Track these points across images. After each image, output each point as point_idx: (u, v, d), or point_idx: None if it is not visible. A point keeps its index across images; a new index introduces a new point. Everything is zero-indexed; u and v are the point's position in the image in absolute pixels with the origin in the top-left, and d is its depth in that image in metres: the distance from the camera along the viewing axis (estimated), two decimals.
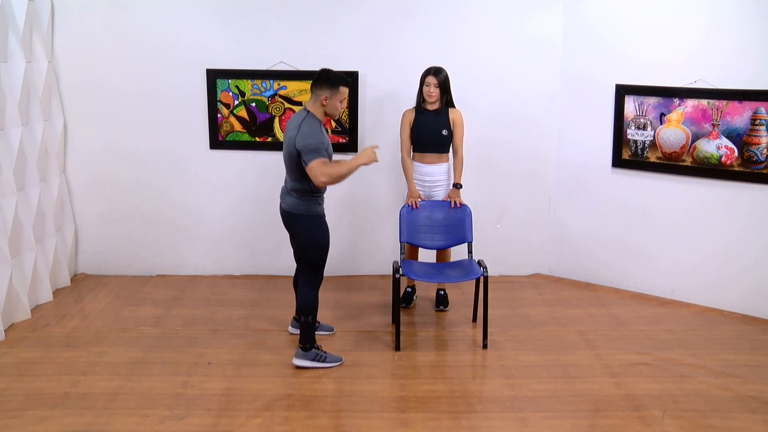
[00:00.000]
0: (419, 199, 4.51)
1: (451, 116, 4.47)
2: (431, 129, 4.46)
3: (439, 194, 4.57)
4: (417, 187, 4.55)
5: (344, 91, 3.76)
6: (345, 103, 3.84)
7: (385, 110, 5.12)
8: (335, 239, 5.25)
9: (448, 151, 4.56)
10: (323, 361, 3.90)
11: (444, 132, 4.46)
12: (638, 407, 3.50)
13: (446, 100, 4.46)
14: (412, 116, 4.51)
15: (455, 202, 4.48)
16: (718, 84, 4.49)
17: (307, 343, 3.88)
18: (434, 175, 4.54)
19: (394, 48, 5.06)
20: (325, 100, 3.70)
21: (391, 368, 3.94)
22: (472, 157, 4.99)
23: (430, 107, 4.45)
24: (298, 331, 4.21)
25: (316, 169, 3.59)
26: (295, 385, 3.73)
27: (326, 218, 3.93)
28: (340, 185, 5.16)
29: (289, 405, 3.52)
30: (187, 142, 5.16)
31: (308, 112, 3.75)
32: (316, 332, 4.17)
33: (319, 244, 3.85)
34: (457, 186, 4.50)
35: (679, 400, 3.57)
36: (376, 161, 3.77)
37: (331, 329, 4.37)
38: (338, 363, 3.93)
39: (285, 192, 3.89)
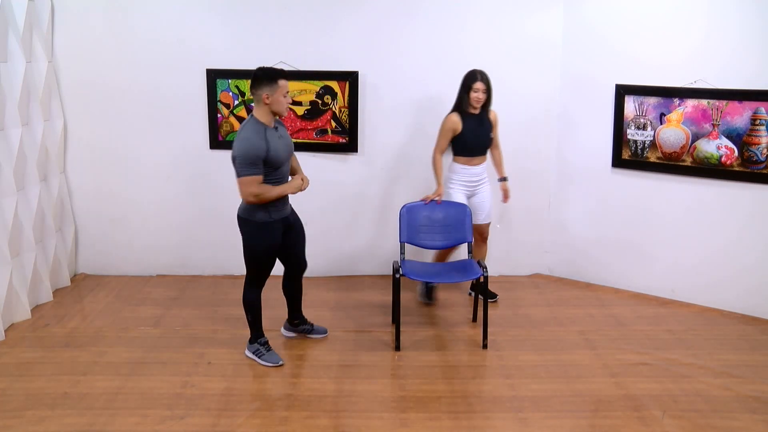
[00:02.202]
0: (436, 199, 4.50)
1: (491, 117, 4.57)
2: (481, 135, 4.53)
3: (484, 189, 4.67)
4: (462, 187, 4.59)
5: (284, 84, 3.60)
6: (289, 98, 3.68)
7: (385, 110, 5.12)
8: (336, 239, 5.30)
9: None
10: (259, 358, 3.94)
11: (491, 135, 4.58)
12: (638, 407, 3.50)
13: (487, 101, 4.51)
14: (458, 124, 4.47)
15: (507, 193, 4.76)
16: (718, 84, 4.49)
17: (252, 336, 3.99)
18: (480, 174, 4.65)
19: (394, 48, 5.06)
20: (267, 98, 3.57)
21: (391, 368, 3.94)
22: None
23: (473, 111, 4.48)
24: (291, 334, 4.31)
25: (248, 186, 3.56)
26: (295, 385, 3.73)
27: (278, 227, 3.78)
28: (342, 185, 5.21)
29: (289, 405, 3.52)
30: (187, 142, 5.16)
31: (252, 117, 3.65)
32: (309, 335, 4.29)
33: (253, 252, 3.78)
34: (505, 179, 4.74)
35: (679, 400, 3.57)
36: (302, 190, 3.78)
37: (324, 332, 4.33)
38: (274, 364, 3.91)
39: None
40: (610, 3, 4.86)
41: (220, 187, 5.22)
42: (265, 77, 3.58)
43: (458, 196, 4.58)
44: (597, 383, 3.75)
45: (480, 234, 4.76)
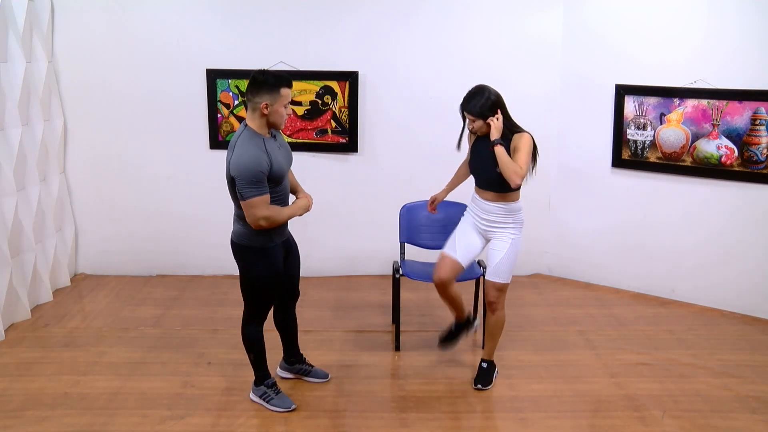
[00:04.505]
0: (434, 202, 3.96)
1: (513, 145, 3.43)
2: (484, 164, 3.52)
3: (499, 238, 3.60)
4: (470, 217, 3.73)
5: (286, 93, 3.10)
6: (290, 109, 3.18)
7: (385, 110, 5.12)
8: (336, 239, 5.30)
9: (511, 191, 3.52)
10: (267, 402, 3.48)
11: (498, 170, 3.42)
12: (638, 407, 3.50)
13: (506, 125, 3.45)
14: (471, 140, 3.68)
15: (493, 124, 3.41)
16: (718, 84, 4.49)
17: (257, 378, 3.54)
18: (492, 213, 3.60)
19: (394, 48, 5.06)
20: (266, 107, 3.07)
21: (391, 368, 3.94)
22: None
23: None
24: (287, 375, 3.80)
25: (257, 209, 3.07)
26: (295, 385, 3.73)
27: (279, 251, 3.33)
28: (341, 185, 5.20)
29: None
30: (187, 142, 5.16)
31: (246, 127, 3.15)
32: (306, 378, 3.77)
33: (254, 283, 3.30)
34: (498, 142, 3.39)
35: (679, 400, 3.57)
36: (308, 211, 3.36)
37: (325, 376, 3.77)
38: (285, 409, 3.45)
39: (233, 218, 3.32)
40: (610, 3, 4.86)
41: (220, 187, 5.21)
42: (266, 84, 3.08)
43: (463, 224, 3.77)
44: (597, 383, 3.75)
45: (486, 297, 3.71)
